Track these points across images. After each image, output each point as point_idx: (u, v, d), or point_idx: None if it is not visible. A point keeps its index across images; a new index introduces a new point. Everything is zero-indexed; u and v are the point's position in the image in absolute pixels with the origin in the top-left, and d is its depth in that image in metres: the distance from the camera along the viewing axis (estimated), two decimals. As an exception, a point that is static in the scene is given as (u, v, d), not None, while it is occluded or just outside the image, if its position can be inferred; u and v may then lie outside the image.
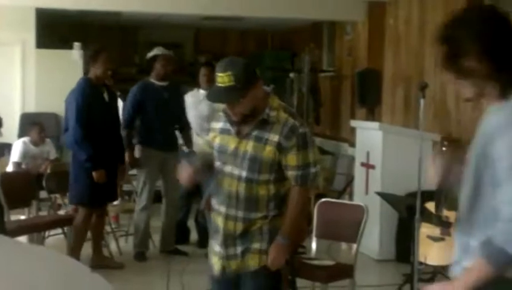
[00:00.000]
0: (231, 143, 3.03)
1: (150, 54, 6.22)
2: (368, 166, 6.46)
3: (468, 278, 2.07)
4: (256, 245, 3.05)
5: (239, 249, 3.06)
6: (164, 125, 5.85)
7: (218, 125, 3.13)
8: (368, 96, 7.95)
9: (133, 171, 6.84)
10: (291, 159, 2.97)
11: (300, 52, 9.58)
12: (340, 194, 7.58)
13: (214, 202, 3.13)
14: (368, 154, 6.46)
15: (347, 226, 4.59)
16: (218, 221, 3.09)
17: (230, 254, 3.08)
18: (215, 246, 3.13)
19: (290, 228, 3.04)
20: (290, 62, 9.96)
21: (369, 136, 6.56)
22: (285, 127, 2.95)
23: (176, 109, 6.13)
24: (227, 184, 3.04)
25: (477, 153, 2.13)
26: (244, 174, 3.00)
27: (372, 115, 7.87)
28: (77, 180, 5.48)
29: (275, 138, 2.95)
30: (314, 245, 4.77)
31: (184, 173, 3.07)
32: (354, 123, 7.32)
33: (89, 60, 5.53)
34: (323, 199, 4.96)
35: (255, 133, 2.98)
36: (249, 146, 2.98)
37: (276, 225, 3.06)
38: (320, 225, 4.73)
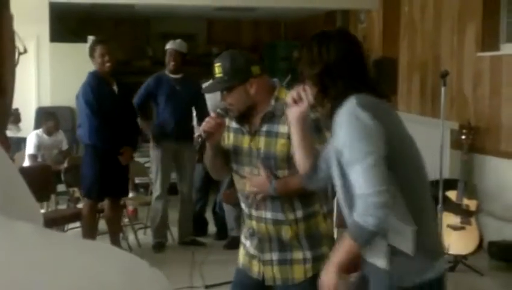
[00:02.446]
0: (244, 142, 2.88)
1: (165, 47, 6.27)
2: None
3: (339, 254, 2.36)
4: (298, 255, 2.86)
5: (275, 256, 2.89)
6: (176, 117, 5.99)
7: (231, 124, 2.94)
8: (384, 84, 7.89)
9: (149, 164, 6.86)
10: None
11: (314, 42, 9.53)
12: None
13: (243, 205, 2.97)
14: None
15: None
16: (252, 224, 2.92)
17: (266, 259, 2.90)
18: (250, 248, 2.96)
19: (288, 184, 2.77)
20: (304, 52, 9.90)
21: (386, 125, 6.50)
22: None
23: (189, 101, 6.11)
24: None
25: (336, 156, 2.37)
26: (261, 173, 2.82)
27: (388, 103, 7.82)
28: (84, 173, 5.54)
29: (285, 129, 2.76)
30: (335, 235, 4.75)
31: (210, 118, 2.84)
32: (370, 112, 7.27)
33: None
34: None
35: (264, 128, 2.81)
36: (261, 143, 2.82)
37: (311, 228, 2.86)
38: (339, 214, 4.70)
